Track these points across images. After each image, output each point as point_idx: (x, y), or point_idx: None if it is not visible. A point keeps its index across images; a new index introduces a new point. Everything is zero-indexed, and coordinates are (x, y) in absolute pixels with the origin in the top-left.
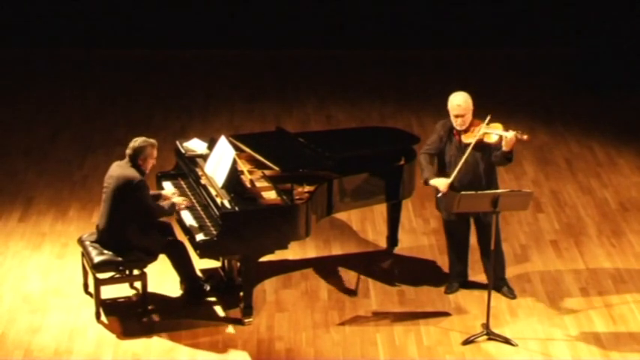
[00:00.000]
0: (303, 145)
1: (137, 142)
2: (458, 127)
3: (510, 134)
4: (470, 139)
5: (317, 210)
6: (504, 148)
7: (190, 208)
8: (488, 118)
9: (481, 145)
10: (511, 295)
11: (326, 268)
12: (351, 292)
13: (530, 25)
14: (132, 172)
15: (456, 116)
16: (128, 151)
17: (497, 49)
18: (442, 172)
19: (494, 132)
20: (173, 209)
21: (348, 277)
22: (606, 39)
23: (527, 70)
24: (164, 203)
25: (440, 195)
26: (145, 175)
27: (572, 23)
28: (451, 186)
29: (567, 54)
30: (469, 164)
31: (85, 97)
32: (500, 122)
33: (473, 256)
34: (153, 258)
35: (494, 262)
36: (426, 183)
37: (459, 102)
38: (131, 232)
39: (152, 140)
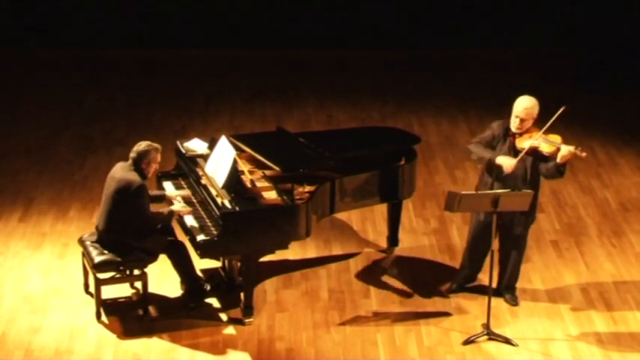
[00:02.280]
0: (303, 145)
1: (141, 145)
2: (514, 129)
3: (568, 148)
4: (524, 143)
5: (317, 210)
6: (558, 160)
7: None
8: (548, 124)
9: (534, 153)
10: (513, 302)
11: (327, 268)
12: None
13: (531, 25)
14: (132, 176)
15: (517, 117)
16: (132, 155)
17: (497, 49)
18: (490, 172)
19: (552, 143)
20: (172, 217)
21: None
22: (606, 39)
23: (528, 70)
24: (163, 210)
25: (505, 173)
26: (146, 179)
27: (572, 23)
28: (491, 187)
29: (567, 54)
30: (517, 169)
31: (85, 97)
32: (538, 130)
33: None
34: (153, 258)
35: (511, 268)
36: (491, 163)
37: (526, 105)
38: (130, 233)
39: (156, 145)
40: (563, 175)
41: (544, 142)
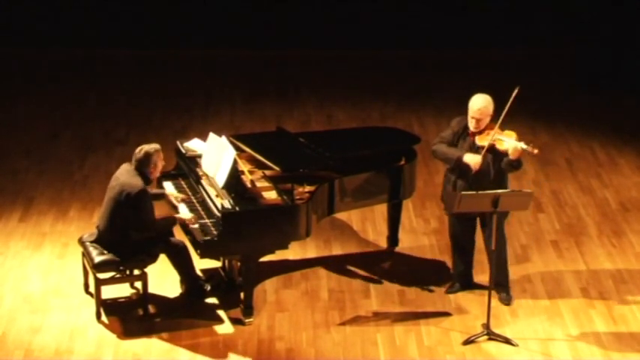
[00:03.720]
0: (303, 145)
1: (141, 152)
2: (472, 129)
3: (518, 145)
4: (483, 141)
5: (317, 210)
6: (510, 157)
7: (191, 208)
8: (499, 122)
9: (492, 150)
10: (506, 302)
11: (327, 268)
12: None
13: (530, 25)
14: (135, 181)
15: (472, 118)
16: (134, 162)
17: (497, 49)
18: (452, 169)
19: (505, 139)
20: (174, 224)
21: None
22: (606, 39)
23: (528, 70)
24: (167, 217)
25: (474, 171)
26: (150, 183)
27: (572, 23)
28: (457, 187)
29: (567, 54)
30: (479, 166)
31: (85, 97)
32: (510, 128)
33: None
34: (153, 259)
35: (495, 263)
36: (459, 161)
37: (479, 106)
38: (131, 233)
39: (155, 145)
40: (517, 168)
41: (499, 139)
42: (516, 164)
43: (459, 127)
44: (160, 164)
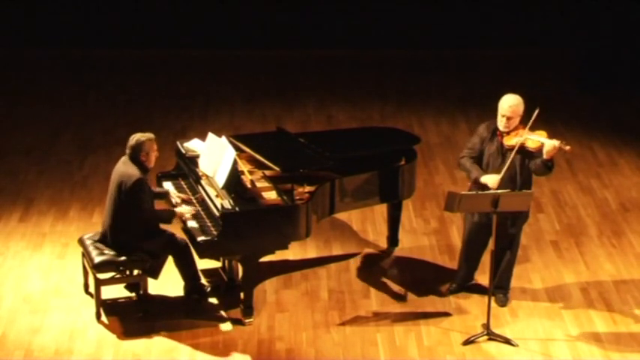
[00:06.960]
0: (303, 145)
1: (134, 139)
2: (501, 128)
3: (552, 143)
4: (511, 141)
5: (317, 210)
6: (544, 156)
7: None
8: (530, 122)
9: (522, 150)
10: (501, 302)
11: (327, 268)
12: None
13: (531, 25)
14: (132, 170)
15: (503, 116)
16: (127, 151)
17: (497, 49)
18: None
19: (536, 138)
20: (172, 217)
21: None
22: (606, 39)
23: (528, 69)
24: (165, 210)
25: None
26: (148, 172)
27: (572, 23)
28: (484, 187)
29: (567, 54)
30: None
31: (85, 97)
32: (542, 129)
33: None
34: (156, 260)
35: (504, 266)
36: (476, 182)
37: (510, 104)
38: (134, 232)
39: (149, 134)
40: (551, 170)
41: (530, 138)
42: (550, 165)
43: (487, 131)
44: (152, 153)
